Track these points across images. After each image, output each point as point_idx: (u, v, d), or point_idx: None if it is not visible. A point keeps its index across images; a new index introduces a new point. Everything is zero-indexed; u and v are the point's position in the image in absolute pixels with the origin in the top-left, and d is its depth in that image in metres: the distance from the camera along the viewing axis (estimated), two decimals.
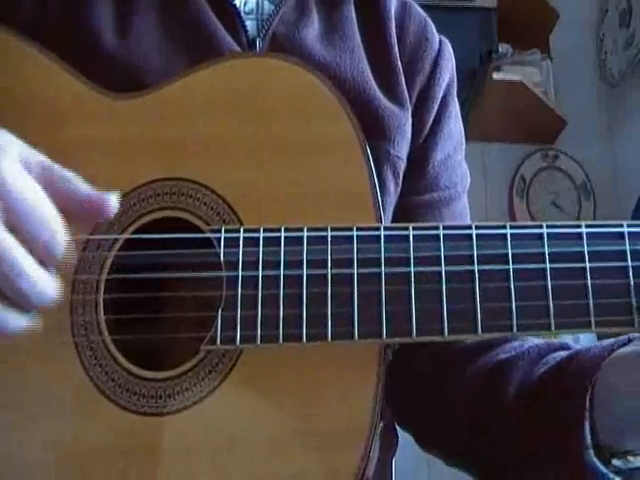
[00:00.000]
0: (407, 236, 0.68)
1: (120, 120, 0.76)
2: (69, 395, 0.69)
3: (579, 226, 0.68)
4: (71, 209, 0.59)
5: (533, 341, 0.85)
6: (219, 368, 0.68)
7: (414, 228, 0.69)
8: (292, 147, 0.74)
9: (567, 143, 3.08)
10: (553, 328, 0.66)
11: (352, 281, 0.67)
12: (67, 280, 0.70)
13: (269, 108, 0.76)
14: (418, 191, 0.95)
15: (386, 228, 0.69)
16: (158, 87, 0.77)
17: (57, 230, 0.57)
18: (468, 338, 0.67)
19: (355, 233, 0.68)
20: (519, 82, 2.80)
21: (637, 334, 0.70)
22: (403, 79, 0.93)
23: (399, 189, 0.92)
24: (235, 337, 0.66)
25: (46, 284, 0.57)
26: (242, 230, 0.69)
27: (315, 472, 0.67)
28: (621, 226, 0.68)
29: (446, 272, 0.67)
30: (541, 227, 0.68)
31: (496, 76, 2.80)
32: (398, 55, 0.94)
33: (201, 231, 0.71)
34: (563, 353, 0.79)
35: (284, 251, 0.68)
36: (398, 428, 0.97)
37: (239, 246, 0.68)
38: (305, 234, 0.68)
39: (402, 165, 0.92)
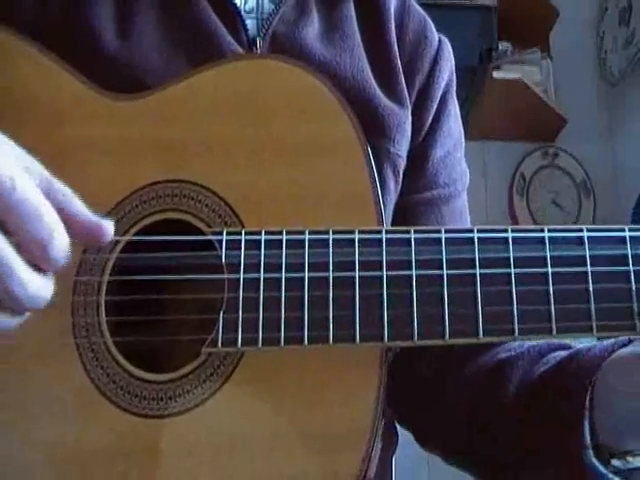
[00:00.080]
0: (409, 239, 0.68)
1: (121, 121, 0.76)
2: (70, 396, 0.69)
3: (581, 230, 0.68)
4: (68, 228, 0.58)
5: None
6: (220, 370, 0.68)
7: (416, 231, 0.69)
8: (293, 148, 0.74)
9: (567, 141, 3.09)
10: (554, 332, 0.66)
11: (354, 284, 0.67)
12: (68, 282, 0.70)
13: (270, 109, 0.76)
14: (417, 189, 0.95)
15: (388, 231, 0.69)
16: (160, 88, 0.77)
17: (57, 234, 0.57)
18: (469, 342, 0.66)
19: (357, 236, 0.68)
20: (519, 80, 2.80)
21: (638, 336, 0.70)
22: (403, 78, 0.93)
23: (399, 187, 0.93)
24: (236, 339, 0.66)
25: (39, 287, 0.57)
26: (244, 232, 0.69)
27: (316, 474, 0.67)
28: (623, 230, 0.68)
29: (448, 276, 0.67)
30: (543, 231, 0.68)
31: (496, 75, 2.80)
32: (398, 54, 0.94)
33: (203, 233, 0.71)
34: (563, 353, 0.79)
35: (286, 254, 0.68)
36: (398, 427, 0.97)
37: (241, 248, 0.68)
38: (307, 237, 0.68)
39: (402, 163, 0.92)
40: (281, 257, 0.68)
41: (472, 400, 0.85)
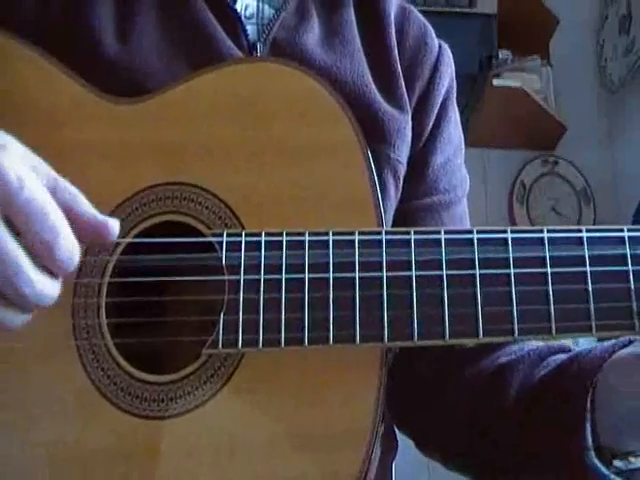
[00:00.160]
0: (409, 240, 0.68)
1: (121, 124, 0.76)
2: (71, 398, 0.69)
3: (580, 230, 0.68)
4: (74, 227, 0.59)
5: (533, 344, 0.85)
6: (221, 372, 0.68)
7: (415, 232, 0.69)
8: (293, 151, 0.74)
9: (567, 149, 3.09)
10: (554, 332, 0.66)
11: (354, 285, 0.67)
12: (69, 284, 0.70)
13: (271, 112, 0.76)
14: (418, 195, 0.95)
15: (387, 232, 0.69)
16: (160, 91, 0.77)
17: (63, 234, 0.57)
18: (469, 342, 0.66)
19: (357, 237, 0.68)
20: (519, 88, 2.81)
21: (637, 337, 0.70)
22: (403, 83, 0.93)
23: (399, 193, 0.93)
24: (237, 341, 0.67)
25: (45, 285, 0.57)
26: (244, 234, 0.69)
27: (316, 474, 0.67)
28: (621, 230, 0.68)
29: (447, 276, 0.67)
30: (542, 231, 0.68)
31: (496, 82, 2.81)
32: (398, 59, 0.94)
33: (203, 235, 0.71)
34: (563, 355, 0.79)
35: (286, 255, 0.68)
36: (398, 432, 0.97)
37: (241, 250, 0.69)
38: (307, 238, 0.68)
39: (402, 169, 0.92)
40: (281, 258, 0.68)
41: (472, 403, 0.85)
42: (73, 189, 0.60)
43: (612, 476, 0.70)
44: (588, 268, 0.67)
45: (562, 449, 0.72)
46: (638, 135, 2.92)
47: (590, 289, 0.67)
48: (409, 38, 0.97)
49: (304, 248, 0.68)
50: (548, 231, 0.69)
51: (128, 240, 0.72)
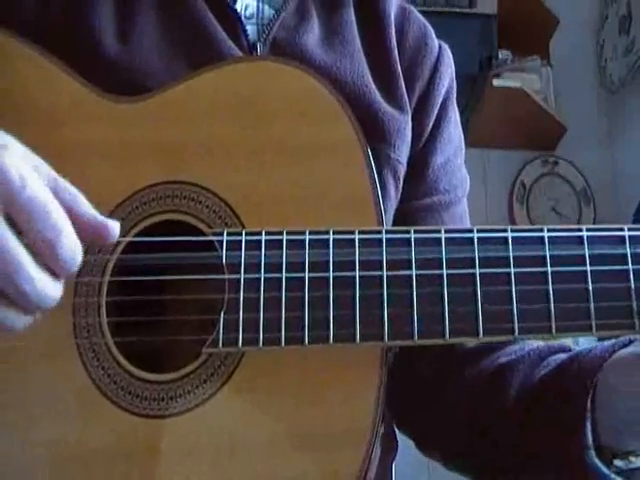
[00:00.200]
0: (409, 239, 0.68)
1: (121, 123, 0.76)
2: (71, 397, 0.69)
3: (580, 230, 0.69)
4: (74, 225, 0.58)
5: (533, 344, 0.85)
6: (221, 371, 0.68)
7: (416, 231, 0.69)
8: (293, 150, 0.74)
9: (567, 149, 3.09)
10: (554, 331, 0.66)
11: (354, 284, 0.67)
12: (69, 283, 0.70)
13: (271, 111, 0.76)
14: (418, 195, 0.95)
15: (388, 231, 0.69)
16: (160, 90, 0.77)
17: (65, 232, 0.57)
18: (469, 341, 0.67)
19: (357, 236, 0.69)
20: (519, 88, 2.81)
21: (638, 336, 0.70)
22: (403, 83, 0.93)
23: (399, 193, 0.93)
24: (237, 340, 0.67)
25: (47, 285, 0.57)
26: (244, 233, 0.69)
27: (316, 473, 0.67)
28: (622, 230, 0.69)
29: (447, 275, 0.67)
30: (542, 230, 0.69)
31: (496, 82, 2.81)
32: (398, 60, 0.94)
33: (203, 234, 0.71)
34: (563, 355, 0.79)
35: (286, 254, 0.68)
36: (398, 433, 0.97)
37: (241, 249, 0.69)
38: (307, 237, 0.68)
39: (402, 169, 0.92)
40: (281, 257, 0.68)
41: (472, 403, 0.85)
42: (73, 189, 0.59)
43: (612, 475, 0.70)
44: (588, 267, 0.67)
45: (562, 449, 0.72)
46: (638, 135, 2.92)
47: (590, 288, 0.67)
48: (409, 38, 0.97)
49: (304, 247, 0.68)
50: (548, 230, 0.69)
51: (128, 239, 0.72)
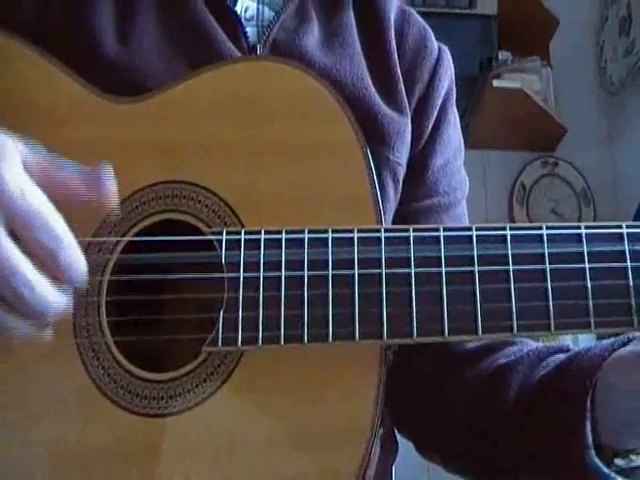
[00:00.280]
0: (407, 238, 0.69)
1: (121, 123, 0.77)
2: (71, 396, 0.69)
3: (579, 227, 0.69)
4: (74, 198, 0.59)
5: (532, 345, 0.85)
6: (220, 369, 0.68)
7: (414, 230, 0.69)
8: (293, 150, 0.74)
9: (567, 150, 3.09)
10: (553, 329, 0.66)
11: (353, 282, 0.67)
12: None
13: (270, 111, 0.76)
14: (417, 197, 0.95)
15: (387, 230, 0.69)
16: (160, 91, 0.77)
17: (67, 241, 0.57)
18: (468, 339, 0.67)
19: (356, 235, 0.69)
20: (519, 89, 2.80)
21: (637, 334, 0.70)
22: (402, 86, 0.94)
23: (399, 195, 0.93)
24: (236, 338, 0.67)
25: (45, 289, 0.57)
26: (243, 232, 0.69)
27: (316, 472, 0.67)
28: (620, 227, 0.69)
29: (446, 273, 0.67)
30: (541, 228, 0.69)
31: (496, 83, 2.81)
32: (397, 62, 0.94)
33: (203, 233, 0.71)
34: (562, 355, 0.79)
35: (285, 253, 0.68)
36: (399, 435, 0.97)
37: (240, 248, 0.69)
38: (306, 236, 0.69)
39: (402, 171, 0.92)
40: (281, 256, 0.68)
41: (472, 404, 0.85)
42: (60, 163, 0.60)
43: (613, 475, 0.70)
44: (587, 265, 0.67)
45: (562, 449, 0.72)
46: (638, 136, 2.92)
47: (589, 285, 0.67)
48: (409, 41, 0.97)
49: (303, 246, 0.68)
50: (547, 228, 0.69)
51: (128, 239, 0.72)
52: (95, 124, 0.77)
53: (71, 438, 0.68)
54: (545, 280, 0.67)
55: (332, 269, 0.67)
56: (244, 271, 0.68)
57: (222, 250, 0.69)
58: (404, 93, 0.94)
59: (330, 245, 0.68)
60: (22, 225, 0.55)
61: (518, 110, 2.84)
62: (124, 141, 0.75)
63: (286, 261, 0.68)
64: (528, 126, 2.93)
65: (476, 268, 0.67)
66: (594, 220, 3.00)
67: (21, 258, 0.56)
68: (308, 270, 0.67)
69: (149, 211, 0.73)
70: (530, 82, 2.88)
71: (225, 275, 0.68)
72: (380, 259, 0.68)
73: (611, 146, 3.11)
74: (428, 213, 0.96)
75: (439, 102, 0.98)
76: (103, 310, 0.70)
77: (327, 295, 0.67)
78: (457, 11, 2.87)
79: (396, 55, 0.95)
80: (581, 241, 0.68)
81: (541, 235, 0.68)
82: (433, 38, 1.02)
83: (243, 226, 0.71)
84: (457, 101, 1.03)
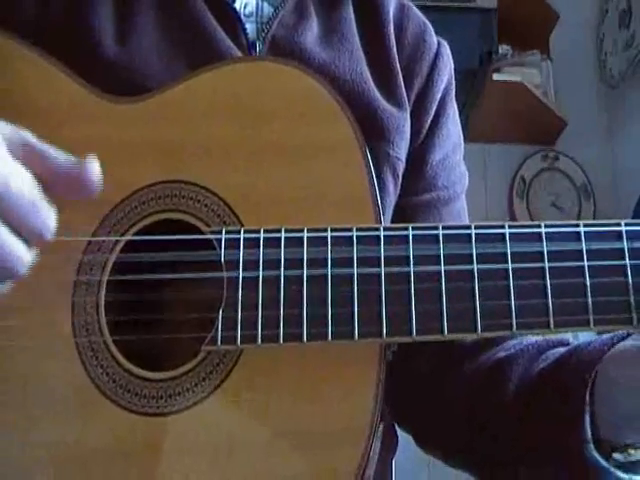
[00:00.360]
0: (406, 236, 0.68)
1: (121, 123, 0.77)
2: (70, 396, 0.69)
3: (577, 225, 0.69)
4: (56, 182, 0.60)
5: (532, 338, 0.85)
6: (220, 368, 0.68)
7: (413, 228, 0.69)
8: (292, 150, 0.74)
9: (567, 144, 3.09)
10: (552, 327, 0.66)
11: (352, 281, 0.67)
12: (68, 282, 0.71)
13: (269, 111, 0.76)
14: (416, 191, 0.95)
15: (386, 229, 0.69)
16: (160, 91, 0.77)
17: (50, 221, 0.58)
18: (468, 337, 0.67)
19: (355, 234, 0.69)
20: (519, 83, 2.80)
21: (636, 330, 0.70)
22: (402, 81, 0.94)
23: (398, 190, 0.93)
24: (236, 337, 0.67)
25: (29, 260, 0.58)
26: (242, 231, 0.70)
27: (315, 471, 0.67)
28: (619, 225, 0.69)
29: (445, 272, 0.67)
30: (540, 226, 0.69)
31: (496, 77, 2.80)
32: (396, 57, 0.94)
33: (202, 233, 0.71)
34: (562, 349, 0.79)
35: (284, 252, 0.68)
36: (398, 429, 0.97)
37: (240, 247, 0.69)
38: (305, 235, 0.69)
39: (401, 166, 0.92)
40: (280, 255, 0.68)
41: (471, 398, 0.85)
42: (46, 147, 0.60)
43: (612, 469, 0.70)
44: (586, 262, 0.67)
45: (561, 442, 0.72)
46: (638, 130, 2.92)
47: (588, 283, 0.67)
48: (408, 35, 0.97)
49: (302, 245, 0.68)
50: (546, 226, 0.69)
51: (127, 238, 0.72)
52: (95, 124, 0.77)
53: (70, 438, 0.68)
54: (544, 278, 0.67)
55: (331, 268, 0.67)
56: (243, 270, 0.68)
57: (221, 249, 0.69)
58: (403, 88, 0.94)
59: (329, 244, 0.68)
60: (8, 210, 0.56)
61: (518, 104, 2.84)
62: (124, 141, 0.75)
63: (285, 260, 0.68)
64: (528, 120, 2.93)
65: (475, 266, 0.67)
66: (594, 213, 3.00)
67: (16, 242, 0.57)
68: (307, 269, 0.67)
69: (148, 211, 0.73)
70: (530, 76, 2.88)
71: (224, 274, 0.68)
72: (379, 258, 0.68)
73: (611, 139, 3.11)
74: (427, 207, 0.96)
75: (438, 96, 0.98)
76: (102, 309, 0.71)
77: (326, 294, 0.67)
78: (457, 5, 2.87)
79: (395, 50, 0.95)
80: (580, 239, 0.68)
81: (540, 233, 0.68)
82: (432, 32, 1.02)
83: (242, 225, 0.71)
84: (457, 95, 1.03)
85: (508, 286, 0.67)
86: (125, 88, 0.78)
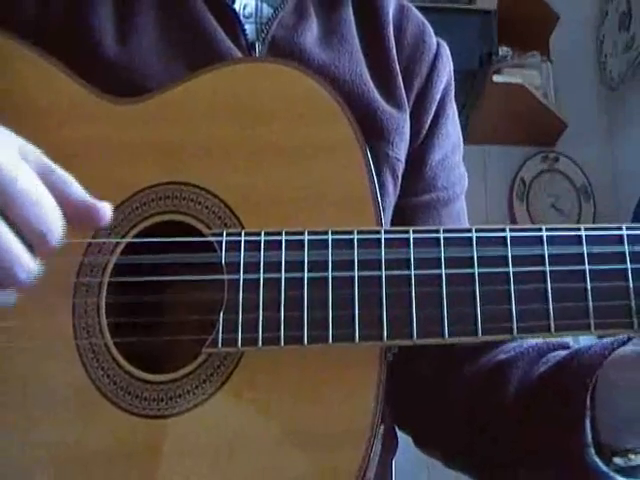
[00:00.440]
0: (407, 239, 0.68)
1: (121, 124, 0.77)
2: (71, 398, 0.69)
3: (578, 229, 0.69)
4: (65, 210, 0.59)
5: (532, 341, 0.85)
6: (220, 371, 0.68)
7: (414, 231, 0.69)
8: (292, 150, 0.74)
9: (567, 146, 3.09)
10: (553, 330, 0.66)
11: (353, 284, 0.67)
12: (69, 284, 0.71)
13: (269, 112, 0.76)
14: (416, 192, 0.95)
15: (386, 231, 0.69)
16: (159, 92, 0.77)
17: (56, 224, 0.58)
18: (469, 341, 0.67)
19: (356, 236, 0.69)
20: (519, 84, 2.80)
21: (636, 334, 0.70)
22: (401, 81, 0.94)
23: (398, 190, 0.93)
24: (236, 340, 0.67)
25: (34, 269, 0.58)
26: (243, 233, 0.70)
27: (316, 473, 0.67)
28: (620, 229, 0.69)
29: (446, 275, 0.67)
30: (541, 230, 0.69)
31: (496, 79, 2.80)
32: (396, 58, 0.94)
33: (203, 235, 0.71)
34: (563, 352, 0.79)
35: (285, 254, 0.68)
36: (398, 430, 0.97)
37: (240, 249, 0.69)
38: (306, 237, 0.69)
39: (401, 167, 0.92)
40: (280, 257, 0.68)
41: (471, 401, 0.85)
42: (63, 173, 0.60)
43: (612, 473, 0.70)
44: (587, 266, 0.67)
45: (562, 446, 0.72)
46: (638, 132, 2.92)
47: (589, 287, 0.67)
48: (407, 36, 0.97)
49: (303, 247, 0.68)
50: (547, 229, 0.69)
51: (128, 240, 0.72)
52: (95, 125, 0.77)
53: (71, 439, 0.68)
54: (545, 282, 0.67)
55: (332, 271, 0.68)
56: (244, 272, 0.68)
57: (222, 251, 0.69)
58: (403, 88, 0.94)
59: (330, 246, 0.68)
60: (13, 206, 0.55)
61: (518, 105, 2.84)
62: (124, 142, 0.75)
63: (286, 262, 0.68)
64: (528, 121, 2.93)
65: (476, 270, 0.67)
66: (594, 215, 3.00)
67: (18, 246, 0.56)
68: (308, 272, 0.68)
69: (149, 212, 0.73)
70: (530, 77, 2.88)
71: (225, 277, 0.68)
72: (380, 261, 0.68)
73: (611, 141, 3.11)
74: (427, 208, 0.96)
75: (438, 97, 0.98)
76: (103, 311, 0.71)
77: (327, 297, 0.67)
78: (457, 6, 2.87)
79: (395, 50, 0.95)
80: (581, 243, 0.68)
81: (541, 237, 0.68)
82: (432, 33, 1.02)
83: (243, 227, 0.71)
84: (457, 96, 1.03)
85: (509, 290, 0.67)
86: (125, 88, 0.78)
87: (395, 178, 0.91)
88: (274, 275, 0.68)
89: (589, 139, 3.07)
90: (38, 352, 0.69)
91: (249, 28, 0.89)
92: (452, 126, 1.01)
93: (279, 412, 0.68)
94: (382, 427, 0.72)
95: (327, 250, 0.68)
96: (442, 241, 0.68)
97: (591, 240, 0.68)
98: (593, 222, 2.99)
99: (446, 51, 1.02)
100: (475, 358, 0.88)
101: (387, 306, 0.67)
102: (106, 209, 0.61)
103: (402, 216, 0.93)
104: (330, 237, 0.68)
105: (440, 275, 0.67)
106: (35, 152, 0.60)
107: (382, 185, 0.88)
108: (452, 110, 1.01)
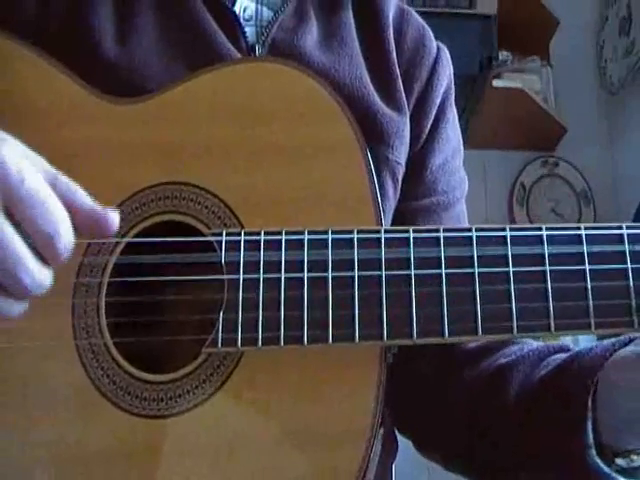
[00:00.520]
0: (407, 239, 0.68)
1: (121, 124, 0.77)
2: (71, 397, 0.69)
3: (579, 228, 0.69)
4: (74, 219, 0.59)
5: (533, 344, 0.85)
6: (220, 370, 0.68)
7: (414, 231, 0.69)
8: (292, 151, 0.74)
9: (567, 150, 3.09)
10: (553, 330, 0.66)
11: (353, 284, 0.67)
12: (69, 284, 0.71)
13: (269, 112, 0.76)
14: (416, 196, 0.95)
15: (387, 231, 0.69)
16: (159, 92, 0.77)
17: (64, 227, 0.58)
18: (469, 340, 0.67)
19: (356, 236, 0.69)
20: (519, 89, 2.80)
21: (637, 334, 0.70)
22: (401, 85, 0.94)
23: (398, 194, 0.93)
24: (236, 339, 0.67)
25: (43, 275, 0.58)
26: (243, 233, 0.69)
27: (316, 472, 0.67)
28: (620, 228, 0.69)
29: (446, 274, 0.67)
30: (541, 229, 0.69)
31: (496, 83, 2.80)
32: (396, 61, 0.94)
33: (203, 235, 0.71)
34: (563, 355, 0.79)
35: (285, 254, 0.68)
36: (398, 434, 0.97)
37: (240, 249, 0.69)
38: (306, 237, 0.69)
39: (401, 170, 0.92)
40: (280, 257, 0.68)
41: (472, 404, 0.85)
42: (72, 183, 0.60)
43: (614, 474, 0.70)
44: (587, 266, 0.67)
45: (563, 448, 0.72)
46: (638, 136, 2.92)
47: (589, 286, 0.67)
48: (407, 40, 0.98)
49: (303, 247, 0.68)
50: (547, 229, 0.69)
51: (128, 240, 0.72)
52: (95, 125, 0.77)
53: (71, 439, 0.68)
54: (545, 281, 0.67)
55: (332, 270, 0.67)
56: (244, 272, 0.68)
57: (222, 251, 0.69)
58: (403, 92, 0.94)
59: (330, 246, 0.68)
60: (19, 206, 0.56)
61: (518, 110, 2.84)
62: (124, 142, 0.75)
63: (286, 262, 0.68)
64: (528, 126, 2.93)
65: (476, 269, 0.67)
66: (594, 220, 3.00)
67: (23, 248, 0.56)
68: (308, 271, 0.67)
69: (149, 212, 0.73)
70: (530, 82, 2.88)
71: (225, 276, 0.68)
72: (380, 260, 0.68)
73: (611, 146, 3.11)
74: (427, 212, 0.96)
75: (438, 101, 0.98)
76: (102, 311, 0.70)
77: (327, 296, 0.67)
78: (457, 11, 2.86)
79: (395, 54, 0.95)
80: (581, 242, 0.68)
81: (541, 236, 0.68)
82: (432, 37, 1.02)
83: (243, 227, 0.71)
84: (457, 101, 1.03)
85: (509, 289, 0.67)
86: (125, 88, 0.78)
87: (395, 181, 0.91)
88: (274, 275, 0.68)
89: (589, 144, 3.07)
90: (38, 352, 0.69)
91: (249, 31, 0.89)
92: (452, 130, 1.01)
93: (279, 412, 0.68)
94: (382, 429, 0.72)
95: (327, 250, 0.68)
96: (442, 240, 0.68)
97: (591, 239, 0.68)
98: None
99: (446, 55, 1.02)
100: (476, 362, 0.88)
101: (387, 306, 0.67)
102: (114, 217, 0.61)
103: (402, 220, 0.93)
104: (330, 237, 0.68)
105: (440, 275, 0.67)
106: (40, 160, 0.60)
107: (382, 188, 0.88)
108: (452, 114, 1.01)
